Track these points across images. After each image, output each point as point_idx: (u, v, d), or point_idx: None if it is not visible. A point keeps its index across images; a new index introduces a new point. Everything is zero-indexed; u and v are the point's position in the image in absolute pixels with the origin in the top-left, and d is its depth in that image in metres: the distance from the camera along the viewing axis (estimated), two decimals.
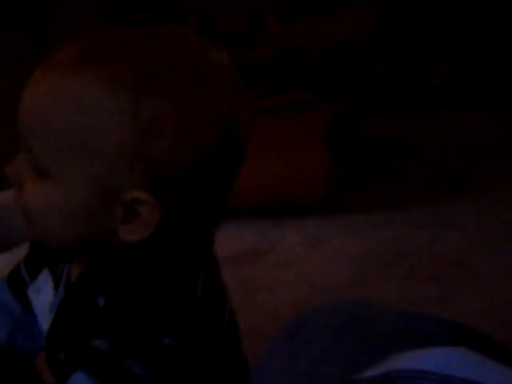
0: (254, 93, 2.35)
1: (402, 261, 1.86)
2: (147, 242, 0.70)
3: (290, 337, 0.64)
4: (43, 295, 0.80)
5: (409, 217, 2.10)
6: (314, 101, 2.28)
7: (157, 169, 0.69)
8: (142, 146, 0.68)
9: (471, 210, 2.14)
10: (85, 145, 0.68)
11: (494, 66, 3.02)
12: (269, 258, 1.87)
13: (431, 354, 0.50)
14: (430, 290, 1.72)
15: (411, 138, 2.72)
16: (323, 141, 2.16)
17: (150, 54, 0.71)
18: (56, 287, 0.79)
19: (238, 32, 2.37)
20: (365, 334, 0.61)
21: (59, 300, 0.77)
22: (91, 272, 0.74)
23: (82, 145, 0.68)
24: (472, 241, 1.95)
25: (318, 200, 2.05)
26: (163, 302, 0.68)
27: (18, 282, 0.86)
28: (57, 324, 0.76)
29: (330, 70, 2.33)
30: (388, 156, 2.53)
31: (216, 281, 0.75)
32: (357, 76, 2.49)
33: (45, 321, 0.80)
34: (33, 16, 2.91)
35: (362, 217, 2.09)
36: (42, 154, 0.70)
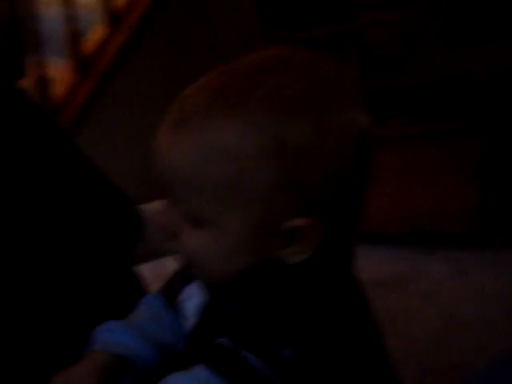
0: (405, 119, 2.32)
1: None
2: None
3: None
4: (194, 301, 0.82)
5: None
6: (466, 130, 2.23)
7: (309, 194, 0.70)
8: (292, 177, 0.70)
9: None
10: (237, 190, 0.70)
11: None
12: (412, 286, 1.83)
13: None
14: None
15: None
16: (475, 172, 2.10)
17: (277, 86, 0.71)
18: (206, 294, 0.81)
19: (394, 56, 2.35)
20: None
21: (202, 304, 0.80)
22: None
23: (234, 190, 0.70)
24: None
25: (469, 232, 2.00)
26: (292, 315, 0.70)
27: (174, 290, 0.89)
28: (198, 326, 0.79)
29: (486, 100, 2.27)
30: None
31: (351, 300, 0.75)
32: None
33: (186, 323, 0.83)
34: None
35: (510, 254, 2.01)
36: (195, 206, 0.72)
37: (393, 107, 2.34)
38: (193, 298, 0.83)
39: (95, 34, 2.98)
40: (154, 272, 1.19)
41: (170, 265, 2.74)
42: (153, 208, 1.33)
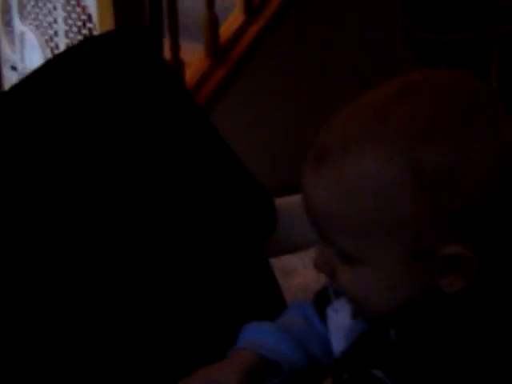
0: None
1: None
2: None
3: None
4: (339, 317, 0.81)
5: None
6: None
7: (459, 219, 0.68)
8: (435, 204, 0.67)
9: None
10: (381, 224, 0.68)
11: None
12: None
13: None
14: None
15: None
16: None
17: (411, 110, 0.69)
18: (354, 314, 0.80)
19: None
20: None
21: (359, 329, 0.78)
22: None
23: (379, 225, 0.69)
24: None
25: None
26: (453, 354, 0.67)
27: (324, 300, 0.88)
28: (350, 350, 0.78)
29: None
30: None
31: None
32: None
33: (336, 341, 0.82)
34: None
35: None
36: (343, 243, 0.71)
37: None
38: (341, 312, 0.82)
39: (232, 22, 3.00)
40: (278, 265, 1.18)
41: (295, 261, 2.74)
42: (287, 201, 1.33)
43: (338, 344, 0.81)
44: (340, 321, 0.82)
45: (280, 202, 1.29)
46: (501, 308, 0.71)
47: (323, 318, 0.87)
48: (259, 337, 0.86)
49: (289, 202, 1.31)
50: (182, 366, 0.88)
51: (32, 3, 2.41)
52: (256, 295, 1.05)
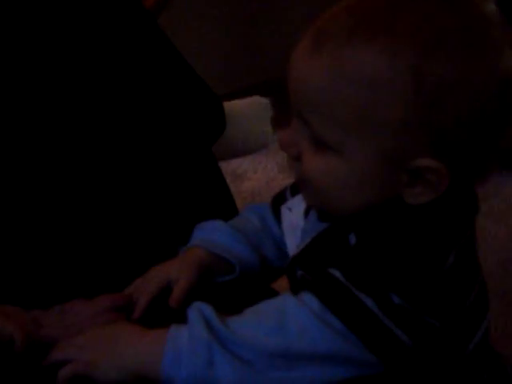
0: None
1: None
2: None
3: None
4: (293, 215, 0.82)
5: None
6: None
7: (442, 136, 0.68)
8: (427, 116, 0.67)
9: None
10: (367, 119, 0.68)
11: None
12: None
13: None
14: None
15: None
16: None
17: (424, 17, 0.67)
18: (306, 213, 0.81)
19: None
20: None
21: (311, 228, 0.79)
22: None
23: (365, 119, 0.68)
24: None
25: None
26: (409, 261, 0.68)
27: (280, 201, 0.89)
28: (307, 249, 0.78)
29: None
30: None
31: (471, 253, 0.73)
32: None
33: (289, 239, 0.83)
34: None
35: None
36: (322, 129, 0.70)
37: None
38: (295, 211, 0.82)
39: None
40: (228, 169, 1.18)
41: (246, 165, 2.75)
42: (242, 104, 1.32)
43: (292, 242, 0.82)
44: (293, 219, 0.82)
45: (229, 105, 1.28)
46: (459, 226, 0.72)
47: (279, 220, 0.88)
48: (213, 236, 0.87)
49: (238, 105, 1.30)
50: (135, 266, 0.89)
51: None
52: (206, 197, 1.05)
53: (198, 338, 0.68)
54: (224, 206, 1.07)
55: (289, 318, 0.68)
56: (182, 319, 0.71)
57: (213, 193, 1.08)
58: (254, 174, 2.47)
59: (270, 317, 0.69)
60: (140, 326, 0.74)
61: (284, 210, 0.85)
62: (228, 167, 2.45)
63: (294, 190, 0.86)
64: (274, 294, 0.82)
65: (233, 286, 0.86)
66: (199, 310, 0.70)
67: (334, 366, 0.68)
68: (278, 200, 0.89)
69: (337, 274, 0.68)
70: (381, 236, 0.70)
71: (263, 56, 3.08)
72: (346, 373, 0.68)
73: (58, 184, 0.95)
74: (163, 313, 0.82)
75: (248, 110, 1.33)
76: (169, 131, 1.05)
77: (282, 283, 0.87)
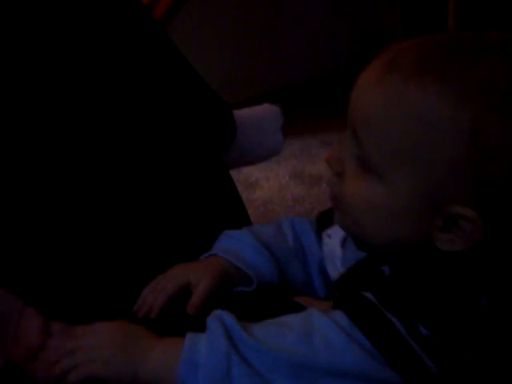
0: None
1: None
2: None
3: None
4: (332, 242, 0.83)
5: None
6: None
7: (488, 188, 0.67)
8: (477, 167, 0.67)
9: None
10: (417, 154, 0.68)
11: None
12: None
13: None
14: None
15: None
16: None
17: (501, 69, 0.67)
18: (343, 243, 0.82)
19: None
20: None
21: (351, 256, 0.79)
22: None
23: (414, 154, 0.68)
24: None
25: None
26: (438, 300, 0.68)
27: (325, 221, 0.88)
28: (345, 276, 0.79)
29: None
30: None
31: (508, 294, 0.73)
32: None
33: (329, 265, 0.84)
34: None
35: None
36: (372, 150, 0.69)
37: None
38: (334, 239, 0.82)
39: None
40: (234, 177, 1.18)
41: (257, 174, 2.74)
42: (253, 111, 1.31)
43: (332, 269, 0.83)
44: (332, 247, 0.83)
45: (239, 113, 1.27)
46: (494, 272, 0.72)
47: (319, 237, 0.88)
48: (237, 248, 0.87)
49: (248, 113, 1.30)
50: (146, 271, 0.89)
51: None
52: (217, 205, 1.05)
53: (217, 350, 0.67)
54: (235, 214, 1.07)
55: (315, 331, 0.68)
56: (197, 325, 0.70)
57: (224, 201, 1.07)
58: (266, 182, 2.47)
59: (294, 328, 0.68)
60: (152, 332, 0.73)
61: (324, 236, 0.85)
62: (240, 175, 2.46)
63: None
64: (295, 306, 0.83)
65: (251, 297, 0.86)
66: (220, 320, 0.69)
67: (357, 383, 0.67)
68: (323, 220, 0.89)
69: (369, 295, 0.68)
70: (412, 274, 0.70)
71: (272, 65, 3.09)
72: None
73: (64, 190, 0.95)
74: (177, 316, 0.82)
75: (259, 118, 1.33)
76: (180, 139, 1.05)
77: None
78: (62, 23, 0.99)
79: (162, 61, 1.10)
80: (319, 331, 0.67)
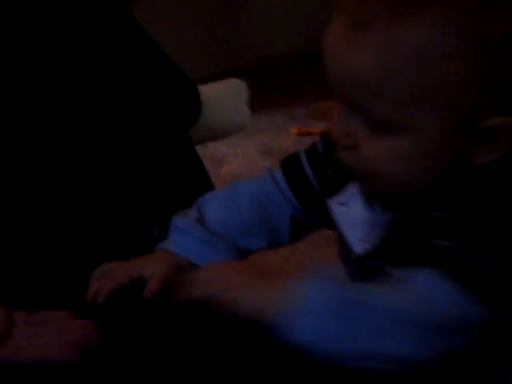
0: None
1: None
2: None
3: None
4: (350, 210, 0.79)
5: None
6: None
7: (507, 91, 0.67)
8: (490, 73, 0.66)
9: None
10: (431, 91, 0.66)
11: None
12: None
13: None
14: None
15: None
16: None
17: None
18: (369, 202, 0.78)
19: None
20: None
21: (379, 220, 0.77)
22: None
23: (428, 91, 0.66)
24: None
25: None
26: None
27: (299, 178, 0.86)
28: (386, 241, 0.76)
29: None
30: None
31: None
32: None
33: (353, 231, 0.80)
34: None
35: None
36: (384, 112, 0.67)
37: None
38: (351, 205, 0.80)
39: None
40: (202, 153, 1.17)
41: (225, 149, 2.73)
42: (218, 87, 1.30)
43: (354, 236, 0.80)
44: (352, 213, 0.80)
45: (204, 88, 1.27)
46: None
47: (298, 194, 0.87)
48: (186, 242, 0.84)
49: (213, 88, 1.29)
50: (111, 250, 0.88)
51: None
52: (184, 182, 1.04)
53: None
54: (202, 191, 1.06)
55: (418, 290, 0.68)
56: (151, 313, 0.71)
57: (190, 177, 1.07)
58: (235, 158, 2.46)
59: (394, 287, 0.69)
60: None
61: (335, 205, 0.82)
62: (207, 151, 2.45)
63: (312, 156, 0.85)
64: None
65: None
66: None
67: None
68: (290, 165, 0.87)
69: (445, 243, 0.68)
70: (471, 200, 0.70)
71: (236, 42, 3.07)
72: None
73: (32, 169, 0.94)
74: (126, 304, 0.80)
75: (224, 92, 1.32)
76: (143, 116, 1.04)
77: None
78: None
79: (124, 38, 1.09)
80: (421, 290, 0.68)
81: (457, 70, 0.65)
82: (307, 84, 3.11)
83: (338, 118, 0.72)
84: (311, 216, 0.88)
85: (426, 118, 0.67)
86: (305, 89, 3.01)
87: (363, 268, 0.78)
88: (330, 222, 0.83)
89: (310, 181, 0.86)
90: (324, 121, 2.72)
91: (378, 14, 0.66)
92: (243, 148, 2.50)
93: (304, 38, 3.27)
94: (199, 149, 1.16)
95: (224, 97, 1.32)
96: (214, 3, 2.97)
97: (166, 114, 1.09)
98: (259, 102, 2.83)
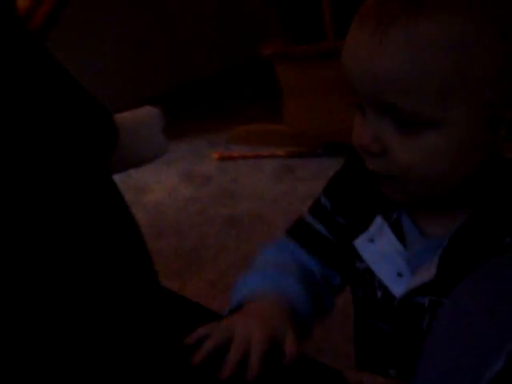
0: None
1: None
2: None
3: (489, 278, 0.60)
4: (381, 244, 0.77)
5: None
6: None
7: None
8: None
9: None
10: (461, 81, 0.65)
11: None
12: None
13: None
14: None
15: None
16: None
17: None
18: (399, 236, 0.76)
19: None
20: None
21: (422, 250, 0.74)
22: (483, 214, 0.72)
23: (459, 82, 0.65)
24: None
25: None
26: None
27: (311, 236, 0.83)
28: (442, 269, 0.72)
29: None
30: None
31: None
32: None
33: (385, 269, 0.77)
34: None
35: None
36: (420, 108, 0.66)
37: None
38: (378, 240, 0.77)
39: None
40: (124, 182, 1.17)
41: (147, 177, 2.71)
42: (132, 115, 1.30)
43: (389, 271, 0.77)
44: (383, 247, 0.77)
45: (120, 116, 1.26)
46: None
47: (318, 255, 0.84)
48: (283, 287, 0.79)
49: (129, 116, 1.29)
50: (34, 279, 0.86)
51: None
52: (100, 212, 1.03)
53: None
54: (120, 220, 1.06)
55: None
56: None
57: (107, 206, 1.06)
58: (157, 185, 2.46)
59: None
60: None
61: (364, 243, 0.79)
62: (130, 180, 2.45)
63: (318, 213, 0.83)
64: None
65: None
66: None
67: None
68: (299, 231, 0.85)
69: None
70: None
71: (156, 70, 3.07)
72: None
73: None
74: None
75: (140, 120, 1.32)
76: (58, 147, 1.03)
77: None
78: None
79: (36, 70, 1.09)
80: None
81: (483, 58, 0.65)
82: (226, 110, 3.15)
83: (365, 124, 0.70)
84: (337, 272, 0.84)
85: (457, 110, 0.66)
86: (224, 114, 3.03)
87: (415, 311, 0.74)
88: (354, 276, 0.81)
89: (325, 236, 0.84)
90: (244, 144, 2.75)
91: (399, 12, 0.65)
92: (165, 175, 2.50)
93: (220, 66, 3.32)
94: (121, 178, 1.16)
95: (140, 124, 1.32)
96: (133, 32, 2.97)
97: (81, 144, 1.08)
98: (179, 129, 2.85)
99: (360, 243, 0.79)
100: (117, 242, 0.95)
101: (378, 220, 0.77)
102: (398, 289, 0.76)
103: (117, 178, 1.24)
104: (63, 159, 1.03)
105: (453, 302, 0.57)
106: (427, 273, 0.73)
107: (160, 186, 2.45)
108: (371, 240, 0.78)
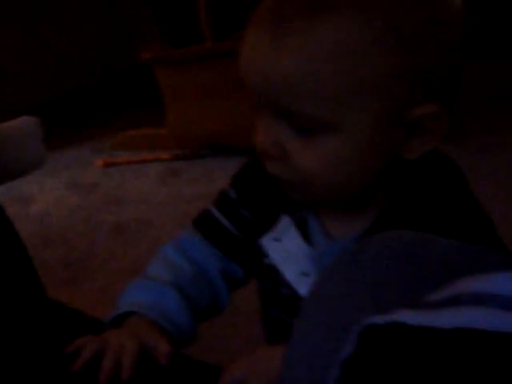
0: None
1: None
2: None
3: (347, 263, 0.61)
4: (286, 244, 0.77)
5: None
6: None
7: (429, 78, 0.67)
8: (412, 61, 0.66)
9: None
10: (357, 85, 0.65)
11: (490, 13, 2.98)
12: None
13: (496, 278, 0.48)
14: None
15: None
16: None
17: None
18: (306, 237, 0.76)
19: None
20: (421, 262, 0.59)
21: (328, 249, 0.75)
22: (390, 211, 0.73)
23: (355, 86, 0.65)
24: None
25: None
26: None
27: (217, 231, 0.83)
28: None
29: None
30: None
31: None
32: None
33: (290, 268, 0.78)
34: None
35: None
36: (311, 113, 0.66)
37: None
38: (285, 238, 0.78)
39: None
40: (8, 194, 1.16)
41: (32, 187, 2.66)
42: (9, 126, 1.29)
43: (294, 270, 0.78)
44: (289, 247, 0.78)
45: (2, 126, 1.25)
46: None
47: (223, 250, 0.84)
48: (153, 299, 0.79)
49: (4, 127, 1.27)
50: None
51: None
52: None
53: None
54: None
55: None
56: None
57: None
58: (42, 196, 2.42)
59: None
60: None
61: (269, 242, 0.79)
62: (13, 191, 2.40)
63: (224, 208, 0.83)
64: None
65: None
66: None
67: None
68: (204, 225, 0.85)
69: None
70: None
71: (37, 78, 3.02)
72: None
73: None
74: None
75: (17, 130, 1.31)
76: None
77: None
78: None
79: None
80: None
81: (378, 61, 0.65)
82: (108, 117, 3.13)
83: (263, 128, 0.70)
84: (241, 266, 0.85)
85: (354, 115, 0.66)
86: (106, 121, 3.01)
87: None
88: (259, 271, 0.81)
89: (229, 230, 0.84)
90: (128, 150, 2.74)
91: (294, 17, 0.65)
92: (50, 185, 2.47)
93: (100, 72, 3.29)
94: (4, 190, 1.14)
95: (18, 135, 1.31)
96: (6, 39, 2.91)
97: None
98: (61, 138, 2.82)
99: (266, 241, 0.79)
100: None
101: (285, 219, 0.78)
102: (303, 288, 0.76)
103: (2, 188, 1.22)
104: None
105: (314, 291, 0.58)
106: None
107: (45, 196, 2.42)
108: (277, 239, 0.78)
